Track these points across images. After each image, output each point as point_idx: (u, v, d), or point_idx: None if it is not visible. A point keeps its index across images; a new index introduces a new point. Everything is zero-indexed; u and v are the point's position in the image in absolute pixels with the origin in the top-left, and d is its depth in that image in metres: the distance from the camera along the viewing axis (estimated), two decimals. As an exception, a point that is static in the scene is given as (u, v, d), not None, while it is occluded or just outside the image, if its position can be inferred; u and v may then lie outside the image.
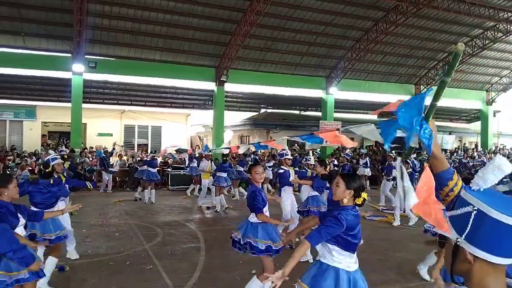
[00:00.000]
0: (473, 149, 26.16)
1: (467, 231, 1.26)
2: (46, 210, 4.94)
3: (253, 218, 4.64)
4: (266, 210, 4.65)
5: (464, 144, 29.60)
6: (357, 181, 3.16)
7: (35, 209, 5.27)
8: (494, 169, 1.40)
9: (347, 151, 17.43)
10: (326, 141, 5.36)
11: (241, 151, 6.97)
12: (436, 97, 1.76)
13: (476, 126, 28.85)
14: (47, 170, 5.55)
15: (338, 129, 3.91)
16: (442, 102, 25.29)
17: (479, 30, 20.29)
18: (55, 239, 5.11)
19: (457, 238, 1.29)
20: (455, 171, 1.65)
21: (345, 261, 3.07)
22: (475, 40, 20.79)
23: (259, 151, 20.11)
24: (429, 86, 23.57)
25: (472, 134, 29.84)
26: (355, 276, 3.10)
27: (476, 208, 1.25)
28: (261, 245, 4.47)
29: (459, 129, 30.06)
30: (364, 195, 3.13)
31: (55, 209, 5.38)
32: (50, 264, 5.14)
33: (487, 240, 1.22)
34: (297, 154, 15.99)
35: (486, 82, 25.90)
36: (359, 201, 3.12)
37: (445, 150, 24.62)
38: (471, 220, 1.25)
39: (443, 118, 29.12)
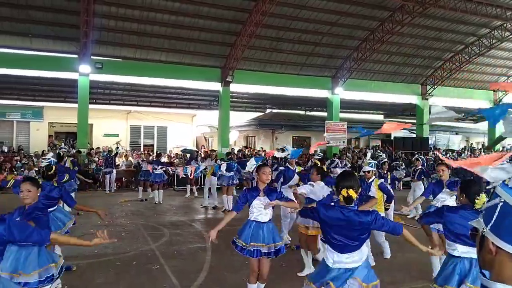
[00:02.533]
0: (480, 149, 26.00)
1: (492, 221, 1.29)
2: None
3: (250, 216, 4.67)
4: (254, 210, 4.59)
5: (471, 144, 29.43)
6: (338, 178, 3.43)
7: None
8: None
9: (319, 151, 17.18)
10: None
11: (278, 154, 6.92)
12: None
13: (483, 126, 28.68)
14: (49, 173, 5.61)
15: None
16: (448, 102, 25.20)
17: (486, 29, 20.15)
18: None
19: (483, 228, 1.31)
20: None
21: (333, 258, 3.28)
22: (482, 39, 20.65)
23: (264, 150, 20.12)
24: (435, 86, 23.49)
25: (479, 134, 29.67)
26: (355, 273, 3.23)
27: (503, 200, 1.27)
28: (236, 241, 4.58)
29: (465, 129, 29.88)
30: (343, 192, 3.27)
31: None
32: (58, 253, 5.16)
33: (510, 231, 1.25)
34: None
35: (493, 81, 25.70)
36: (341, 197, 3.31)
37: (452, 151, 24.52)
38: (497, 211, 1.28)
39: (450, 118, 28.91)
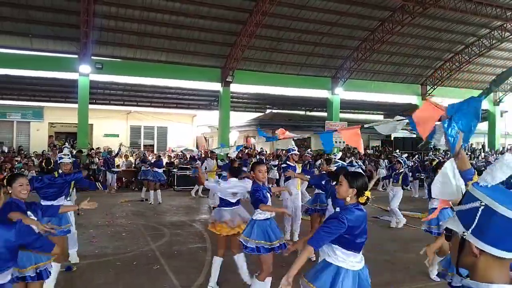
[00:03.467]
0: (480, 149, 26.00)
1: (473, 225, 1.30)
2: (62, 204, 5.03)
3: (255, 215, 4.69)
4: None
5: (471, 144, 29.41)
6: (359, 179, 3.14)
7: (46, 202, 5.33)
8: (502, 167, 1.42)
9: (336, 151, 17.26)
10: (339, 142, 5.53)
11: (253, 141, 6.98)
12: (482, 96, 1.86)
13: (483, 126, 28.67)
14: (49, 167, 5.63)
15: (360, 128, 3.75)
16: (448, 102, 25.11)
17: (486, 29, 20.16)
18: (59, 232, 5.17)
19: (463, 232, 1.33)
20: (476, 172, 1.70)
21: (349, 260, 3.07)
22: (482, 40, 20.66)
23: (265, 151, 20.14)
24: (435, 86, 23.49)
25: (479, 134, 29.65)
26: (361, 275, 3.11)
27: (484, 204, 1.29)
28: (251, 244, 4.55)
29: (465, 129, 29.86)
30: (367, 193, 3.11)
31: (61, 203, 5.44)
32: (54, 270, 5.13)
33: (493, 234, 1.27)
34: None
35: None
36: (362, 199, 3.11)
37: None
38: (478, 215, 1.29)
39: (450, 118, 28.94)
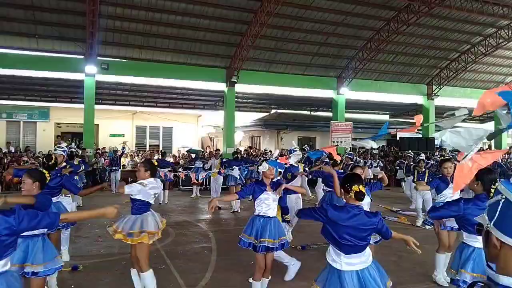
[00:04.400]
0: (486, 149, 25.84)
1: (495, 217, 1.37)
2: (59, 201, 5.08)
3: (257, 212, 4.74)
4: (262, 205, 4.68)
5: (477, 144, 29.23)
6: (344, 179, 3.39)
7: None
8: None
9: (348, 149, 17.27)
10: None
11: (292, 161, 7.01)
12: None
13: (490, 126, 28.49)
14: (50, 163, 5.66)
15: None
16: (454, 102, 25.03)
17: (493, 28, 20.02)
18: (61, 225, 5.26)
19: (487, 224, 1.40)
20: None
21: (339, 260, 3.19)
22: (488, 39, 20.53)
23: (270, 150, 20.12)
24: (441, 86, 23.38)
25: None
26: (361, 276, 3.15)
27: (504, 197, 1.35)
28: (244, 239, 4.62)
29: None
30: (354, 188, 3.24)
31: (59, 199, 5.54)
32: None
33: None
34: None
35: (500, 81, 25.55)
36: (351, 196, 3.26)
37: (458, 151, 24.36)
38: (499, 207, 1.36)
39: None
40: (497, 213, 1.36)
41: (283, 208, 5.68)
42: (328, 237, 3.25)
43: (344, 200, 3.37)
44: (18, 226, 2.62)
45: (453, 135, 2.56)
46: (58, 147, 7.02)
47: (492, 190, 3.40)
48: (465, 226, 3.77)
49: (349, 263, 3.17)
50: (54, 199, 5.41)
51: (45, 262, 3.81)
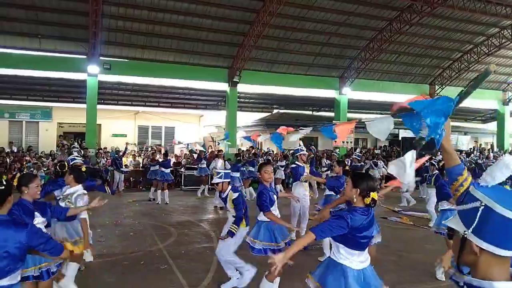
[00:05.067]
0: (489, 149, 25.77)
1: (474, 225, 1.35)
2: (71, 207, 5.02)
3: (261, 216, 4.73)
4: (274, 209, 4.71)
5: (480, 145, 29.19)
6: (364, 180, 3.12)
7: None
8: (502, 167, 1.48)
9: (357, 151, 17.32)
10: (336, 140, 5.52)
11: (261, 139, 6.87)
12: (458, 103, 1.91)
13: (492, 126, 28.43)
14: (63, 170, 5.66)
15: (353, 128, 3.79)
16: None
17: (496, 28, 19.97)
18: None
19: (464, 231, 1.38)
20: (466, 168, 1.78)
21: (352, 259, 3.09)
22: (491, 39, 20.48)
23: (272, 151, 20.13)
24: (443, 86, 23.33)
25: (488, 134, 29.41)
26: (366, 274, 3.12)
27: (484, 204, 1.34)
28: (258, 246, 4.59)
29: (474, 129, 29.63)
30: (373, 195, 3.09)
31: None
32: (72, 269, 5.14)
33: (493, 234, 1.32)
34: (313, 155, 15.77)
35: (503, 81, 25.50)
36: (367, 201, 3.10)
37: (461, 151, 24.32)
38: (478, 214, 1.34)
39: (458, 118, 28.74)
40: (476, 220, 1.35)
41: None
42: (349, 243, 3.07)
43: (354, 201, 3.15)
44: (28, 242, 2.59)
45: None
46: (76, 156, 6.85)
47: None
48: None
49: (362, 260, 3.14)
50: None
51: (33, 267, 3.73)
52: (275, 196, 4.82)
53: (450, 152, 1.89)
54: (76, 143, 18.64)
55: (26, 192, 3.78)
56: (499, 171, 1.46)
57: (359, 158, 16.38)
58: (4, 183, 2.65)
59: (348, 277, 3.04)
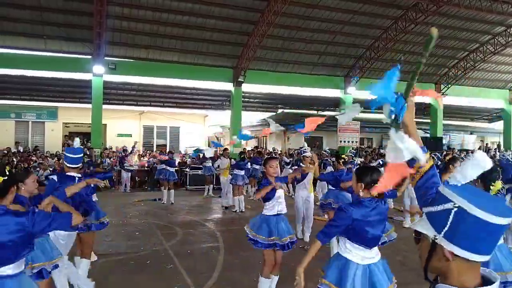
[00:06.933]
0: (495, 149, 25.59)
1: (446, 228, 1.23)
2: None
3: (263, 210, 4.72)
4: (275, 204, 4.67)
5: (487, 144, 29.01)
6: (368, 174, 3.16)
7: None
8: (473, 165, 1.38)
9: (350, 149, 17.22)
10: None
11: (273, 128, 6.87)
12: (413, 76, 1.84)
13: (499, 125, 28.23)
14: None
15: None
16: (463, 101, 24.84)
17: (502, 27, 19.84)
18: (96, 226, 5.28)
19: (435, 235, 1.26)
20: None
21: (357, 253, 3.10)
22: (497, 37, 20.35)
23: (277, 150, 20.10)
24: (449, 85, 23.20)
25: (494, 134, 29.21)
26: (373, 270, 3.10)
27: (457, 205, 1.21)
28: (249, 234, 4.60)
29: (480, 128, 29.45)
30: None
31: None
32: (84, 264, 5.15)
33: (467, 238, 1.21)
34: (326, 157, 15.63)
35: (509, 80, 25.32)
36: (374, 193, 3.09)
37: (466, 151, 24.17)
38: (451, 217, 1.22)
39: (464, 117, 28.58)
40: (449, 223, 1.22)
41: None
42: (355, 237, 3.07)
43: (360, 194, 3.17)
44: (32, 227, 2.58)
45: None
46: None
47: (492, 188, 3.38)
48: None
49: (367, 257, 3.12)
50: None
51: (43, 262, 3.71)
52: (280, 191, 4.77)
53: (412, 132, 1.77)
54: (80, 143, 18.67)
55: (23, 188, 3.75)
56: (471, 168, 1.36)
57: (354, 156, 16.23)
58: (8, 173, 2.64)
59: (348, 269, 3.05)
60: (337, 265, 3.13)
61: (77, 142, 5.11)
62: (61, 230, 2.91)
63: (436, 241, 1.26)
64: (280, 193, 4.74)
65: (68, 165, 4.74)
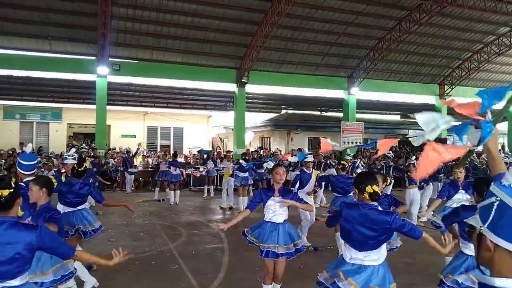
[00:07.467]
0: (500, 150, 25.53)
1: (489, 220, 1.34)
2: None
3: (265, 217, 4.68)
4: (267, 210, 4.64)
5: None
6: (359, 179, 3.46)
7: (64, 207, 5.39)
8: None
9: (348, 151, 17.23)
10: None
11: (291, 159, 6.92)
12: (502, 110, 1.95)
13: (503, 126, 28.11)
14: (80, 169, 5.61)
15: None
16: (467, 102, 24.71)
17: (506, 28, 19.77)
18: (91, 231, 5.37)
19: (480, 226, 1.37)
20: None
21: (349, 253, 3.38)
22: (501, 38, 20.28)
23: (279, 151, 20.08)
24: (453, 86, 23.15)
25: (499, 135, 29.06)
26: (363, 272, 3.26)
27: (499, 199, 1.32)
28: (248, 235, 4.62)
29: (484, 129, 29.32)
30: (368, 189, 3.29)
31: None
32: (81, 266, 5.18)
33: (507, 228, 1.31)
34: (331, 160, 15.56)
35: (514, 81, 25.25)
36: (365, 195, 3.31)
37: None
38: (493, 210, 1.33)
39: (468, 118, 28.46)
40: (491, 215, 1.33)
41: None
42: (341, 233, 3.57)
43: (354, 198, 3.66)
44: (38, 244, 2.60)
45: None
46: (67, 155, 6.86)
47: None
48: (461, 232, 3.87)
49: (355, 258, 3.31)
50: (80, 207, 5.49)
51: (51, 268, 3.71)
52: (277, 199, 4.63)
53: (496, 158, 1.87)
54: (84, 144, 18.77)
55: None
56: None
57: (352, 158, 16.21)
58: (13, 185, 2.65)
59: (340, 265, 3.37)
60: (335, 261, 3.61)
61: (29, 148, 4.90)
62: (59, 258, 2.96)
63: (481, 231, 1.37)
64: (274, 202, 4.56)
65: (23, 172, 4.56)
